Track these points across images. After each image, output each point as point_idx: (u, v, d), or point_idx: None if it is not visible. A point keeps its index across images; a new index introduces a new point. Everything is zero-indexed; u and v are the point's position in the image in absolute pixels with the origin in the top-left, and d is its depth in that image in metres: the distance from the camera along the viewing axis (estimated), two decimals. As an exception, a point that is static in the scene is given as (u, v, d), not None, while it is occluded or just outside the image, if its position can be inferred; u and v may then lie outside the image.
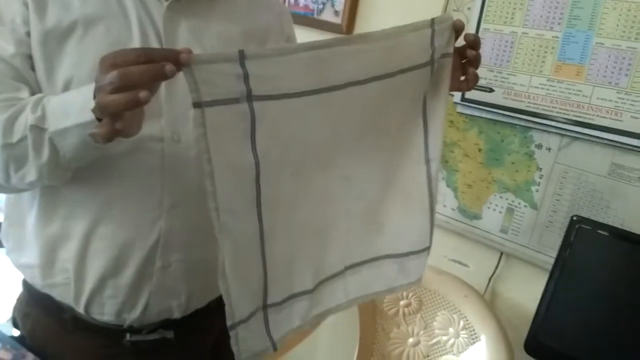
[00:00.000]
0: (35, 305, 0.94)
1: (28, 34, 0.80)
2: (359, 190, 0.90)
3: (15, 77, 0.79)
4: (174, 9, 0.85)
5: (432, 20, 0.83)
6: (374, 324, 1.55)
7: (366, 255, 0.95)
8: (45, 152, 0.73)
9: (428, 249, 0.99)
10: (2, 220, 0.95)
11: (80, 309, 0.89)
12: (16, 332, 1.01)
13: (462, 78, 0.89)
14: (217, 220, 0.71)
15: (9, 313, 1.34)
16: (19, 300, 1.00)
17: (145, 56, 0.63)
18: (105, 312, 0.89)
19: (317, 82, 0.76)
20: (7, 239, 0.94)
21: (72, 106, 0.72)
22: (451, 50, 0.86)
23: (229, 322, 0.75)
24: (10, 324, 1.11)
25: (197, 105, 0.67)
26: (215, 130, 0.68)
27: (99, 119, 0.67)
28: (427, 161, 0.92)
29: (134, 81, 0.62)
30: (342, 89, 0.78)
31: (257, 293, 0.81)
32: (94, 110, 0.66)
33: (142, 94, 0.61)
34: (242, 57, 0.68)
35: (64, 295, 0.89)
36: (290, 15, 1.12)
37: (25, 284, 0.95)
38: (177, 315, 0.92)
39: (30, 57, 0.80)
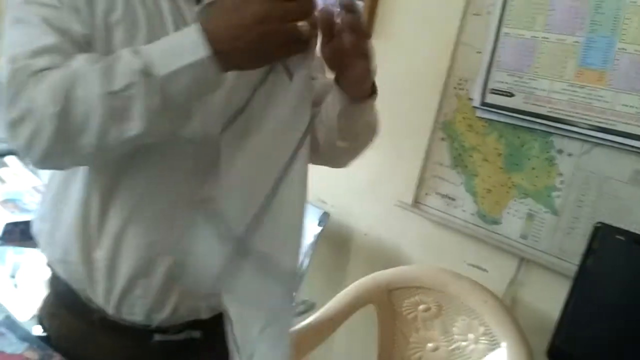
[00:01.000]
0: (62, 306, 0.95)
1: (89, 15, 0.78)
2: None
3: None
4: (206, 12, 0.86)
5: None
6: (392, 328, 1.55)
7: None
8: (157, 98, 0.69)
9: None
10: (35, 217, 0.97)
11: (110, 309, 0.89)
12: (37, 331, 1.02)
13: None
14: None
15: (31, 311, 1.37)
16: (45, 301, 1.00)
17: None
18: (135, 312, 0.89)
19: None
20: (41, 235, 0.95)
21: (178, 47, 0.70)
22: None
23: None
24: (32, 322, 1.12)
25: None
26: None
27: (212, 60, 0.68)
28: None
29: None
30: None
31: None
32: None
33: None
34: None
35: (94, 293, 0.90)
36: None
37: (53, 283, 0.96)
38: (204, 315, 0.93)
39: (92, 41, 0.79)
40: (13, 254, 1.62)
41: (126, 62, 0.69)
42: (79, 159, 0.77)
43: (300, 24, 0.71)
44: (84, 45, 0.77)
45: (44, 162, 0.75)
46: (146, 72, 0.69)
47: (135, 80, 0.68)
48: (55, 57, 0.72)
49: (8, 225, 1.73)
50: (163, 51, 0.71)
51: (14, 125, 0.70)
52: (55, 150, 0.71)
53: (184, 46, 0.69)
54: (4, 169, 2.00)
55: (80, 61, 0.71)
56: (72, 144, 0.71)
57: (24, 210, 1.83)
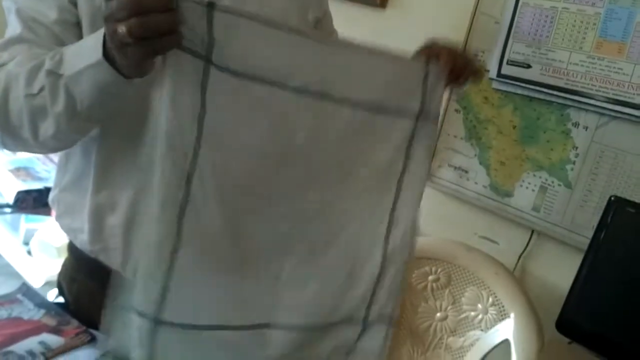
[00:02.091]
0: (82, 270, 0.96)
1: (72, 2, 0.80)
2: (300, 235, 0.79)
3: (55, 42, 0.80)
4: None
5: (427, 63, 0.80)
6: (402, 298, 1.56)
7: (289, 319, 0.81)
8: (62, 99, 0.71)
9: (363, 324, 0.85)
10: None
11: (128, 275, 0.90)
12: (51, 298, 1.04)
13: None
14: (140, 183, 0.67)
15: (44, 278, 1.39)
16: (64, 265, 1.02)
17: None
18: (151, 279, 0.91)
19: (290, 77, 0.70)
20: (58, 204, 0.96)
21: (85, 47, 0.70)
22: (437, 114, 0.82)
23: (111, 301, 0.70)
24: (47, 289, 1.14)
25: None
26: (172, 75, 0.65)
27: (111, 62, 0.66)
28: (391, 220, 0.82)
29: (143, 9, 0.59)
30: (323, 100, 0.73)
31: (152, 293, 0.71)
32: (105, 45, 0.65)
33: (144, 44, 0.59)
34: (210, 5, 0.64)
35: (112, 259, 0.91)
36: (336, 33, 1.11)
37: (72, 248, 0.98)
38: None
39: (74, 25, 0.81)
40: (25, 221, 1.63)
41: (45, 62, 0.72)
42: (35, 148, 0.81)
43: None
44: (60, 28, 0.80)
45: (8, 148, 0.85)
46: (54, 73, 0.71)
47: (45, 82, 0.71)
48: (19, 47, 0.78)
49: (20, 193, 1.74)
50: (75, 51, 0.72)
51: None
52: (9, 140, 0.78)
53: (90, 46, 0.69)
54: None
55: (18, 61, 0.75)
56: (17, 137, 0.77)
57: (36, 179, 1.84)
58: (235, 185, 0.72)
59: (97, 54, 0.67)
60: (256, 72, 0.69)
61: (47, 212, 1.67)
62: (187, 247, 0.69)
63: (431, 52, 0.83)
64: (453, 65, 0.82)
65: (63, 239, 1.47)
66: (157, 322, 0.71)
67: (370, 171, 0.81)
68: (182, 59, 0.65)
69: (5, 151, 1.97)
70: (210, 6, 0.64)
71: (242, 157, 0.72)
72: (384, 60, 0.77)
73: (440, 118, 1.53)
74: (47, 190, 1.74)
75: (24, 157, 1.94)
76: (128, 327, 0.70)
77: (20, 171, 1.86)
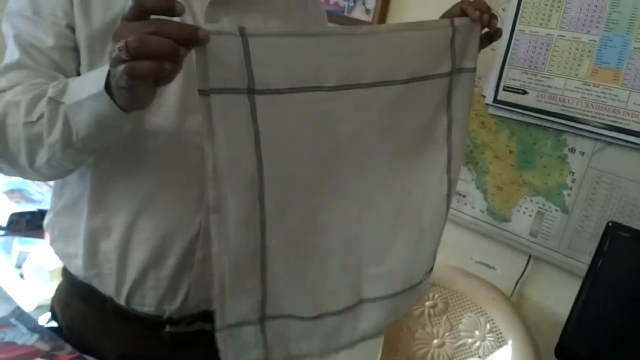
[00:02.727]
0: (77, 295, 0.95)
1: (69, 27, 0.81)
2: (371, 216, 0.86)
3: (53, 68, 0.81)
4: (216, 4, 0.86)
5: (452, 20, 0.82)
6: (399, 324, 1.55)
7: (378, 292, 0.89)
8: (59, 127, 0.71)
9: (431, 271, 0.95)
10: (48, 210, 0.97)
11: (122, 301, 0.89)
12: (44, 322, 1.02)
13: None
14: (215, 224, 0.70)
15: (37, 302, 1.36)
16: (59, 290, 1.01)
17: (159, 28, 0.59)
18: (146, 304, 0.90)
19: (327, 78, 0.73)
20: (53, 229, 0.95)
21: (89, 79, 0.71)
22: (474, 64, 0.85)
23: (218, 325, 0.75)
24: (39, 313, 1.12)
25: (204, 93, 0.65)
26: (221, 122, 0.66)
27: (111, 95, 0.67)
28: (450, 180, 0.88)
29: (147, 51, 0.59)
30: (359, 88, 0.76)
31: (254, 305, 0.78)
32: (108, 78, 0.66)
33: (146, 64, 0.58)
34: (243, 33, 0.65)
35: (106, 286, 0.90)
36: (326, 14, 1.12)
37: (67, 273, 0.96)
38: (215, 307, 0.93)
39: (72, 50, 0.82)
40: (19, 244, 1.61)
41: (49, 91, 0.72)
42: (31, 175, 0.82)
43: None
44: (59, 54, 0.81)
45: (5, 174, 0.83)
46: (56, 101, 0.71)
47: (45, 110, 0.72)
48: (17, 74, 0.80)
49: (14, 215, 1.72)
50: (79, 82, 0.73)
51: None
52: (6, 166, 0.80)
53: (93, 79, 0.69)
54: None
55: (19, 90, 0.76)
56: (14, 164, 0.78)
57: (30, 201, 1.82)
58: (303, 189, 0.78)
59: (98, 86, 0.67)
60: (294, 84, 0.71)
61: (41, 235, 1.66)
62: (275, 254, 0.76)
63: (457, 10, 0.85)
64: (480, 16, 0.83)
65: (56, 263, 1.45)
66: (263, 320, 0.79)
67: (418, 137, 0.85)
68: (224, 103, 0.66)
69: None
70: (243, 33, 0.65)
71: (301, 162, 0.76)
72: (410, 34, 0.80)
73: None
74: (41, 212, 1.73)
75: (18, 179, 1.93)
76: (240, 342, 0.78)
77: (15, 193, 1.85)
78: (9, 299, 1.46)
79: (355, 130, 0.79)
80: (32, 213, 1.75)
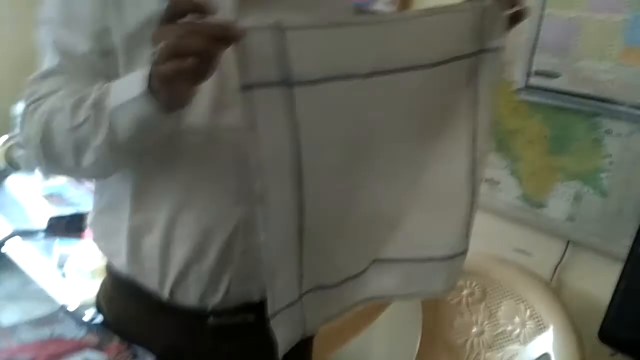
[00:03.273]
0: (121, 290, 0.97)
1: (104, 30, 0.83)
2: (396, 188, 0.89)
3: (91, 72, 0.83)
4: (244, 1, 0.87)
5: (477, 1, 0.82)
6: (436, 313, 1.55)
7: (391, 254, 0.92)
8: (103, 131, 0.74)
9: (464, 252, 0.95)
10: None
11: (165, 295, 0.91)
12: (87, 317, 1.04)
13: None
14: (262, 215, 0.73)
15: (80, 300, 1.40)
16: (103, 284, 1.03)
17: (196, 27, 0.63)
18: (189, 297, 0.91)
19: (359, 66, 0.75)
20: (95, 227, 0.97)
21: (129, 82, 0.73)
22: (501, 43, 0.84)
23: (270, 312, 0.78)
24: (82, 310, 1.15)
25: (246, 88, 0.66)
26: (263, 115, 0.68)
27: (153, 96, 0.69)
28: (474, 157, 0.89)
29: (185, 51, 0.61)
30: (386, 74, 0.77)
31: (295, 285, 0.82)
32: (149, 79, 0.68)
33: (185, 61, 0.61)
34: (280, 28, 0.66)
35: (149, 281, 0.92)
36: (352, 9, 1.13)
37: (111, 269, 0.99)
38: (256, 298, 0.94)
39: (108, 53, 0.84)
40: (59, 245, 1.66)
41: (91, 95, 0.75)
42: (77, 175, 0.84)
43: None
44: (96, 57, 0.83)
45: (51, 175, 0.85)
46: (99, 105, 0.74)
47: (89, 114, 0.74)
48: (57, 79, 0.83)
49: (52, 219, 1.77)
50: (120, 84, 0.75)
51: (24, 146, 0.85)
52: (53, 168, 0.84)
53: (134, 81, 0.71)
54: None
55: (61, 95, 0.79)
56: (61, 165, 0.82)
57: (68, 204, 1.87)
58: (336, 173, 0.80)
59: (140, 88, 0.69)
60: (329, 73, 0.72)
61: (80, 236, 1.70)
62: (310, 235, 0.79)
63: None
64: None
65: (97, 262, 1.49)
66: (301, 297, 0.83)
67: (444, 117, 0.87)
68: (265, 97, 0.68)
69: (38, 178, 2.01)
70: (280, 27, 0.67)
71: (335, 148, 0.78)
72: (435, 18, 0.81)
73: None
74: (79, 215, 1.78)
75: (56, 183, 1.98)
76: (288, 323, 0.82)
77: (53, 197, 1.90)
78: (50, 299, 1.51)
79: (386, 114, 0.81)
80: (70, 215, 1.80)
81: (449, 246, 0.93)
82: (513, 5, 0.84)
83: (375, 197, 0.87)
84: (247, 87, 0.66)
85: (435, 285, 0.96)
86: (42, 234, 1.75)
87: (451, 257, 0.94)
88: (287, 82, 0.69)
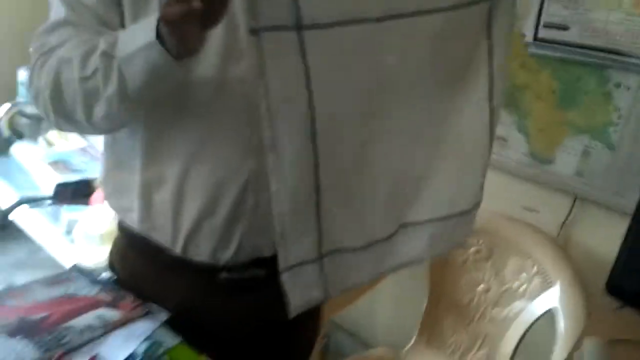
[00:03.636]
0: (133, 248, 0.98)
1: None
2: (421, 145, 0.88)
3: (98, 22, 0.82)
4: None
5: None
6: (443, 271, 1.56)
7: (419, 216, 0.92)
8: (114, 81, 0.74)
9: (478, 204, 0.96)
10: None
11: (177, 250, 0.92)
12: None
13: None
14: (272, 163, 0.73)
15: (91, 264, 1.41)
16: (115, 244, 1.04)
17: None
18: (201, 252, 0.92)
19: (371, 9, 0.74)
20: (107, 184, 0.98)
21: (139, 30, 0.73)
22: None
23: (281, 265, 0.78)
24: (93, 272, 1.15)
25: (254, 31, 0.66)
26: (272, 60, 0.68)
27: (162, 44, 0.69)
28: (492, 108, 0.89)
29: None
30: (403, 18, 0.76)
31: (312, 243, 0.82)
32: (158, 27, 0.68)
33: (195, 3, 0.61)
34: None
35: (161, 236, 0.92)
36: None
37: (122, 227, 0.99)
38: (267, 253, 0.94)
39: (115, 4, 0.82)
40: (66, 212, 1.66)
41: (100, 45, 0.74)
42: (88, 129, 0.85)
43: None
44: (103, 8, 0.82)
45: (63, 129, 0.89)
46: (108, 55, 0.73)
47: (99, 64, 0.74)
48: (65, 31, 0.82)
49: (59, 185, 1.77)
50: (129, 34, 0.74)
51: (34, 100, 0.83)
52: (63, 122, 0.82)
53: (143, 29, 0.71)
54: (51, 131, 2.04)
55: (69, 46, 0.78)
56: (71, 119, 0.81)
57: (74, 171, 1.87)
58: (351, 124, 0.80)
59: (149, 36, 0.69)
60: (339, 17, 0.72)
61: (87, 202, 1.70)
62: (328, 192, 0.79)
63: None
64: None
65: (105, 227, 1.50)
66: (321, 257, 0.82)
67: (461, 65, 0.86)
68: (274, 41, 0.68)
69: (42, 146, 2.01)
70: None
71: (349, 96, 0.78)
72: None
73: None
74: (85, 181, 1.78)
75: (61, 150, 1.98)
76: (302, 280, 0.82)
77: (58, 164, 1.89)
78: (59, 266, 1.52)
79: (402, 60, 0.80)
80: (76, 182, 1.79)
81: (470, 199, 0.94)
82: None
83: (397, 153, 0.86)
84: (255, 31, 0.66)
85: (457, 240, 0.97)
86: (48, 201, 1.76)
87: (471, 210, 0.94)
88: (296, 26, 0.68)
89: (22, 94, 2.19)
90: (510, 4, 0.85)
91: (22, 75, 2.18)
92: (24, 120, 2.07)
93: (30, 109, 2.10)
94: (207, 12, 0.62)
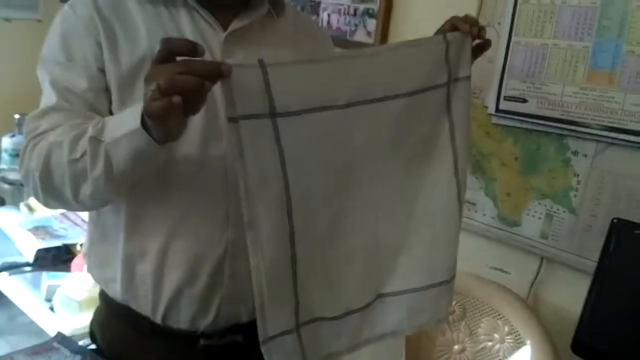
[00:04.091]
0: (115, 317, 1.00)
1: (100, 70, 0.89)
2: (393, 218, 0.93)
3: (88, 108, 0.88)
4: (231, 40, 0.93)
5: (445, 35, 0.89)
6: (419, 332, 1.58)
7: (396, 287, 0.95)
8: (100, 163, 0.78)
9: (454, 275, 0.99)
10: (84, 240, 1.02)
11: (158, 319, 0.95)
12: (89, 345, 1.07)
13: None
14: (251, 240, 0.77)
15: (68, 332, 1.41)
16: (97, 312, 1.06)
17: (186, 67, 0.67)
18: (181, 320, 0.95)
19: (338, 97, 0.80)
20: (90, 256, 1.01)
21: (124, 117, 0.77)
22: (468, 72, 0.91)
23: (261, 337, 0.81)
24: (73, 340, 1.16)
25: (233, 120, 0.72)
26: (249, 145, 0.74)
27: (147, 129, 0.73)
28: (458, 181, 0.94)
29: (175, 90, 0.66)
30: (367, 104, 0.83)
31: (289, 314, 0.84)
32: (142, 118, 0.72)
33: (175, 98, 0.66)
34: (262, 65, 0.73)
35: (143, 306, 0.95)
36: (330, 39, 1.19)
37: (104, 296, 1.02)
38: (245, 319, 0.97)
39: (103, 91, 0.89)
40: (47, 278, 1.67)
41: (89, 130, 0.79)
42: (74, 207, 0.88)
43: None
44: (92, 95, 0.89)
45: (50, 207, 0.92)
46: (96, 139, 0.78)
47: (87, 147, 0.78)
48: (56, 116, 0.86)
49: (40, 251, 1.77)
50: (116, 120, 0.79)
51: (24, 180, 0.88)
52: (51, 200, 0.86)
53: (129, 117, 0.76)
54: (32, 198, 2.06)
55: (60, 131, 0.83)
56: (59, 197, 0.84)
57: (54, 237, 1.88)
58: (325, 200, 0.85)
59: (134, 124, 0.74)
60: (310, 105, 0.78)
61: (67, 269, 1.71)
62: (304, 263, 0.83)
63: (448, 26, 0.91)
64: (470, 28, 0.89)
65: (85, 294, 1.51)
66: (298, 327, 0.85)
67: (425, 143, 0.92)
68: (250, 128, 0.74)
69: (23, 212, 2.02)
70: (262, 64, 0.73)
71: (321, 175, 0.83)
72: (408, 50, 0.88)
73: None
74: (66, 247, 1.80)
75: (41, 216, 2.00)
76: (282, 350, 0.84)
77: (39, 230, 1.90)
78: (41, 332, 1.51)
79: (368, 141, 0.86)
80: (57, 248, 1.81)
81: (446, 270, 0.97)
82: (477, 37, 0.91)
83: (371, 226, 0.91)
84: (233, 119, 0.72)
85: (439, 312, 0.99)
86: (28, 268, 1.76)
87: (449, 281, 0.98)
88: (270, 114, 0.74)
89: (5, 161, 2.22)
90: (467, 86, 0.92)
91: (5, 142, 2.21)
92: (5, 187, 2.09)
93: (13, 175, 2.12)
94: (187, 103, 0.68)
